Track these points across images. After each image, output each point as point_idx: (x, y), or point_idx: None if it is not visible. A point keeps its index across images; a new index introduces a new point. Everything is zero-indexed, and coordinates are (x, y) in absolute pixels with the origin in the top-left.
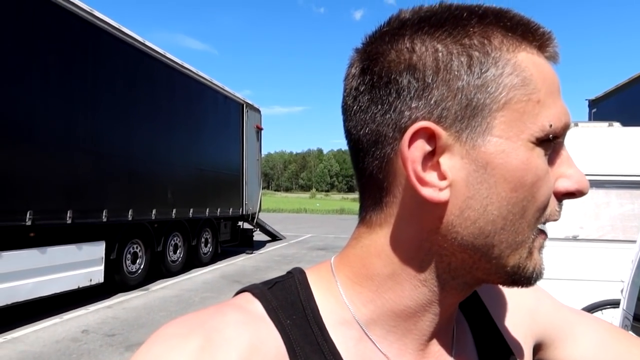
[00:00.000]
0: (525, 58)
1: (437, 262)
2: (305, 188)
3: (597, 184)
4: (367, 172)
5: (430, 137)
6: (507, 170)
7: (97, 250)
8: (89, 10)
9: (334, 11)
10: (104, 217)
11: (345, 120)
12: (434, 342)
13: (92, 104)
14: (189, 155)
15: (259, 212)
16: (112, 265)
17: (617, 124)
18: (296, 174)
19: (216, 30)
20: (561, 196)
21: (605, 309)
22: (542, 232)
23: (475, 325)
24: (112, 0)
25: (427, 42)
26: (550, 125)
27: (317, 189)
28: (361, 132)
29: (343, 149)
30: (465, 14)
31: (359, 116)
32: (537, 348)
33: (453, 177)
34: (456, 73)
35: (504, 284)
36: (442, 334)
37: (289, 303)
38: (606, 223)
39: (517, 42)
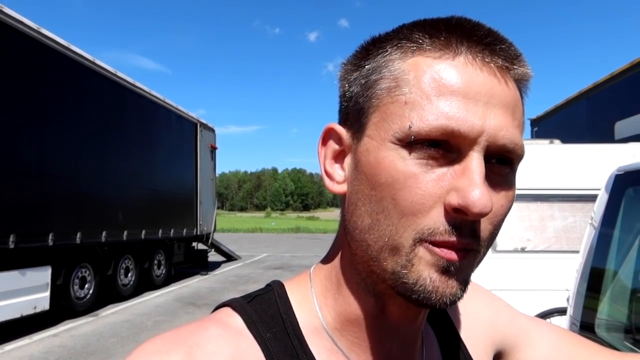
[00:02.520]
0: (412, 62)
1: (354, 262)
2: (260, 207)
3: (541, 198)
4: None
5: (339, 137)
6: (367, 168)
7: (42, 275)
8: (35, 28)
9: (289, 32)
10: (50, 241)
11: None
12: (403, 355)
13: (37, 123)
14: (141, 175)
15: (213, 232)
16: (59, 291)
17: (557, 141)
18: (251, 193)
19: (169, 50)
20: (452, 212)
21: (553, 316)
22: (431, 245)
23: (442, 338)
24: (61, 18)
25: (350, 59)
26: (410, 127)
27: (272, 208)
28: None
29: (298, 168)
30: (392, 33)
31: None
32: (497, 356)
33: (347, 173)
34: (351, 82)
35: (400, 294)
36: (409, 345)
37: (268, 316)
38: (551, 235)
39: (409, 50)
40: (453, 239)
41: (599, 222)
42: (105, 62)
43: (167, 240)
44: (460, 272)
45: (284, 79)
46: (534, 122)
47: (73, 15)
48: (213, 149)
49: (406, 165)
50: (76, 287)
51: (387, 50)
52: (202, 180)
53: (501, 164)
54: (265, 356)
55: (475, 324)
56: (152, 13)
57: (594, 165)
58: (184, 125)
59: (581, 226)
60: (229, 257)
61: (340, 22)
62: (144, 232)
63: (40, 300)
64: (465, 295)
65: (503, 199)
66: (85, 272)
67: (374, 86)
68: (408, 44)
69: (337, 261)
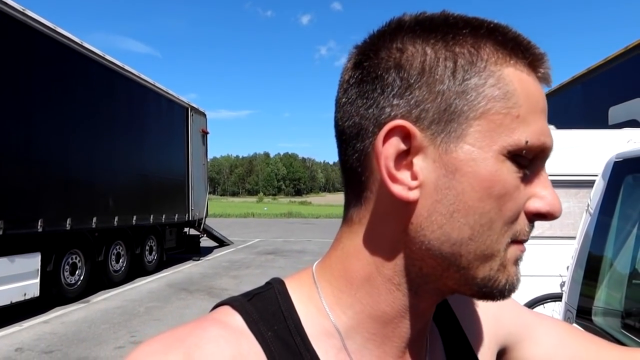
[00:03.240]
0: (512, 73)
1: (409, 266)
2: (252, 192)
3: None
4: (347, 165)
5: (406, 136)
6: (476, 179)
7: (31, 262)
8: (21, 10)
9: (281, 15)
10: (39, 227)
11: (335, 112)
12: (411, 348)
13: (24, 108)
14: (131, 160)
15: (205, 217)
16: (49, 277)
17: (551, 127)
18: (243, 178)
19: (159, 33)
20: (532, 216)
21: (546, 302)
22: (518, 243)
23: (445, 332)
24: (48, 1)
25: (418, 44)
26: (527, 142)
27: (264, 193)
28: (346, 124)
29: (290, 153)
30: (460, 24)
31: (346, 108)
32: (502, 352)
33: (424, 179)
34: (439, 77)
35: (475, 296)
36: (418, 340)
37: (269, 314)
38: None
39: (506, 57)
40: (529, 235)
41: (596, 209)
42: (94, 44)
43: (158, 226)
44: None
45: (276, 62)
46: None
47: None
48: (204, 133)
49: (514, 178)
50: (67, 274)
51: (486, 53)
52: (194, 165)
53: None
54: (267, 356)
55: (479, 319)
56: None
57: (588, 150)
58: (174, 110)
59: (575, 212)
60: (221, 243)
61: (333, 5)
62: (135, 217)
63: (30, 287)
64: None
65: None
66: (76, 258)
67: (476, 91)
68: (505, 53)
69: (365, 262)
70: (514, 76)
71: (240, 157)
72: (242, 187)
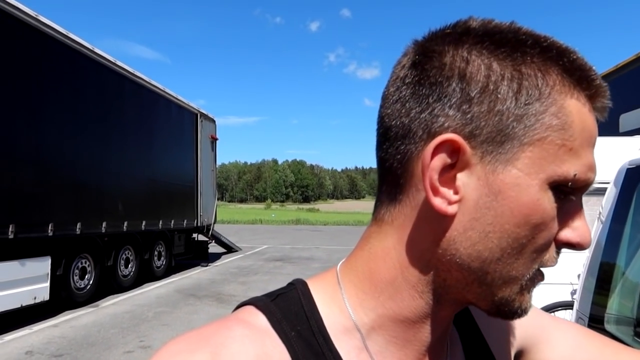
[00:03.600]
0: (573, 104)
1: (434, 276)
2: (260, 199)
3: None
4: (387, 164)
5: (455, 150)
6: (517, 204)
7: (42, 266)
8: (33, 15)
9: (290, 21)
10: (49, 231)
11: (381, 106)
12: (431, 352)
13: (37, 112)
14: (141, 165)
15: (214, 223)
16: (59, 281)
17: None
18: (251, 184)
19: (169, 39)
20: (561, 244)
21: (557, 310)
22: (539, 275)
23: (465, 335)
24: (59, 5)
25: (484, 57)
26: (575, 175)
27: (272, 200)
28: (393, 122)
29: (298, 159)
30: (530, 41)
31: (396, 106)
32: (519, 355)
33: (465, 194)
34: (501, 96)
35: (488, 312)
36: (438, 344)
37: (292, 314)
38: None
39: (571, 87)
40: (556, 263)
41: (608, 216)
42: (104, 50)
43: (167, 232)
44: None
45: (285, 69)
46: None
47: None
48: (213, 139)
49: (552, 209)
50: (76, 278)
51: (552, 80)
52: (203, 171)
53: None
54: (291, 355)
55: (497, 322)
56: (152, 1)
57: (599, 158)
58: (184, 116)
59: (586, 219)
60: (230, 249)
61: (342, 11)
62: (144, 223)
63: (40, 290)
64: None
65: None
66: (85, 262)
67: (536, 117)
68: (570, 82)
69: (391, 266)
70: (575, 107)
71: (249, 163)
72: (250, 194)
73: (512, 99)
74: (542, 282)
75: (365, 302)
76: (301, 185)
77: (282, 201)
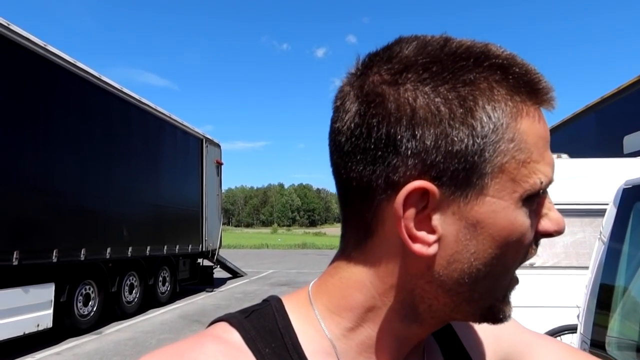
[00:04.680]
0: (525, 123)
1: (418, 302)
2: (266, 223)
3: None
4: (354, 209)
5: (424, 194)
6: (496, 229)
7: (45, 292)
8: (42, 45)
9: (297, 48)
10: (54, 258)
11: (333, 153)
12: None
13: (43, 138)
14: (146, 191)
15: (219, 248)
16: (62, 308)
17: (565, 156)
18: (257, 209)
19: (176, 66)
20: (540, 236)
21: (563, 334)
22: (515, 280)
23: (446, 347)
24: (67, 33)
25: (431, 98)
26: (541, 182)
27: (278, 224)
28: (351, 175)
29: (304, 184)
30: (470, 65)
31: (350, 158)
32: None
33: (442, 232)
34: (457, 138)
35: (474, 321)
36: (413, 357)
37: (267, 331)
38: (560, 250)
39: (521, 104)
40: (534, 254)
41: (608, 236)
42: (113, 78)
43: (172, 257)
44: None
45: (292, 94)
46: None
47: (81, 31)
48: (219, 164)
49: (528, 219)
50: (80, 305)
51: (502, 106)
52: (208, 196)
53: None
54: None
55: (479, 337)
56: (160, 29)
57: (603, 179)
58: (189, 141)
59: (591, 241)
60: (235, 274)
61: (348, 38)
62: (148, 248)
63: (43, 317)
64: None
65: None
66: (89, 289)
67: (494, 147)
68: (518, 101)
69: (369, 294)
70: (526, 125)
71: (255, 188)
72: (256, 218)
73: (468, 137)
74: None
75: (341, 325)
76: (307, 210)
77: (289, 225)
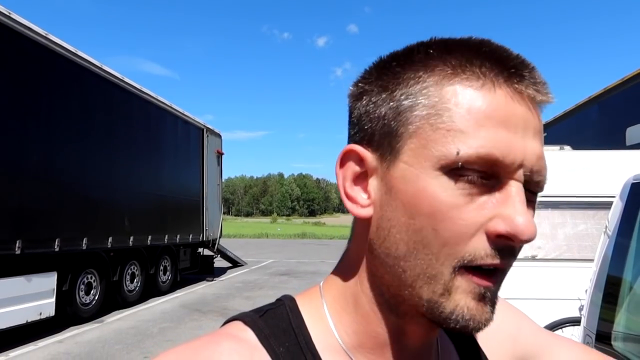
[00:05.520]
0: (453, 91)
1: (380, 284)
2: (266, 213)
3: (552, 205)
4: None
5: (361, 159)
6: (405, 197)
7: (48, 281)
8: (44, 34)
9: (298, 37)
10: (56, 247)
11: None
12: None
13: (44, 129)
14: (147, 180)
15: (219, 237)
16: (64, 297)
17: (567, 147)
18: (257, 198)
19: (178, 55)
20: (495, 238)
21: (565, 326)
22: (472, 274)
23: (461, 347)
24: (68, 22)
25: (374, 78)
26: (458, 152)
27: (278, 214)
28: None
29: (304, 173)
30: (416, 49)
31: None
32: None
33: (374, 197)
34: (380, 103)
35: (434, 321)
36: (424, 358)
37: (281, 330)
38: (562, 243)
39: (449, 75)
40: (494, 261)
41: (614, 230)
42: (114, 67)
43: (173, 246)
44: (495, 296)
45: (292, 84)
46: (544, 128)
47: (81, 19)
48: (219, 154)
49: (449, 196)
50: (82, 293)
51: (421, 76)
52: (208, 186)
53: (531, 192)
54: None
55: (496, 336)
56: (161, 17)
57: (605, 171)
58: (190, 131)
59: (593, 234)
60: (235, 263)
61: (350, 27)
62: (150, 237)
63: (46, 306)
64: None
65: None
66: (91, 277)
67: (408, 112)
68: (445, 70)
69: (353, 280)
70: (455, 93)
71: (255, 177)
72: (256, 208)
73: (386, 101)
74: (487, 288)
75: (343, 319)
76: (307, 199)
77: (288, 215)
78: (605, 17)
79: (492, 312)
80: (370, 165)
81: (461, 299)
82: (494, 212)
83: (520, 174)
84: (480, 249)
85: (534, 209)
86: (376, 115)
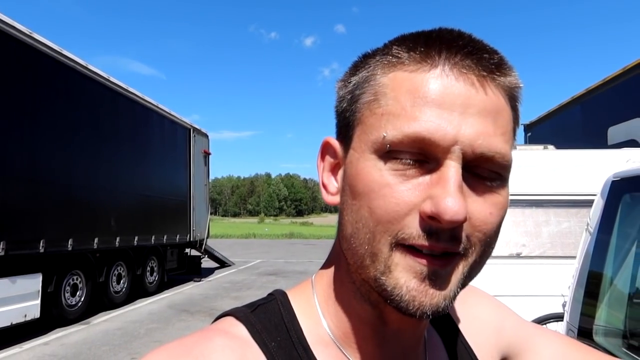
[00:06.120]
0: (393, 76)
1: (350, 271)
2: (253, 213)
3: (536, 204)
4: None
5: (334, 150)
6: (349, 179)
7: (32, 283)
8: (28, 33)
9: (285, 37)
10: (41, 248)
11: None
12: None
13: (29, 128)
14: (133, 180)
15: (207, 238)
16: (50, 298)
17: (551, 147)
18: (244, 198)
19: (164, 55)
20: (427, 218)
21: (549, 322)
22: (413, 252)
23: (448, 341)
24: (53, 22)
25: (342, 78)
26: (384, 136)
27: (265, 214)
28: None
29: (291, 173)
30: (382, 45)
31: None
32: None
33: (340, 185)
34: (342, 97)
35: (389, 303)
36: (410, 353)
37: (272, 325)
38: (546, 240)
39: (392, 63)
40: (427, 243)
41: (595, 228)
42: (100, 66)
43: (159, 247)
44: (444, 281)
45: (280, 84)
46: (528, 128)
47: (67, 19)
48: (206, 154)
49: (382, 176)
50: (67, 295)
51: (370, 66)
52: (195, 186)
53: (487, 172)
54: None
55: (481, 329)
56: (147, 17)
57: (588, 170)
58: (177, 131)
59: (576, 231)
60: (222, 263)
61: (337, 27)
62: (136, 238)
63: (31, 308)
64: (472, 301)
65: (491, 206)
66: (77, 279)
67: (357, 101)
68: (389, 59)
69: (336, 270)
70: (394, 78)
71: (242, 177)
72: (243, 208)
73: (345, 97)
74: (425, 266)
75: (330, 309)
76: (294, 199)
77: (276, 215)
78: (588, 25)
79: (445, 299)
80: (340, 156)
81: (401, 277)
82: (428, 193)
83: (456, 153)
84: (412, 228)
85: (496, 190)
86: (340, 109)
